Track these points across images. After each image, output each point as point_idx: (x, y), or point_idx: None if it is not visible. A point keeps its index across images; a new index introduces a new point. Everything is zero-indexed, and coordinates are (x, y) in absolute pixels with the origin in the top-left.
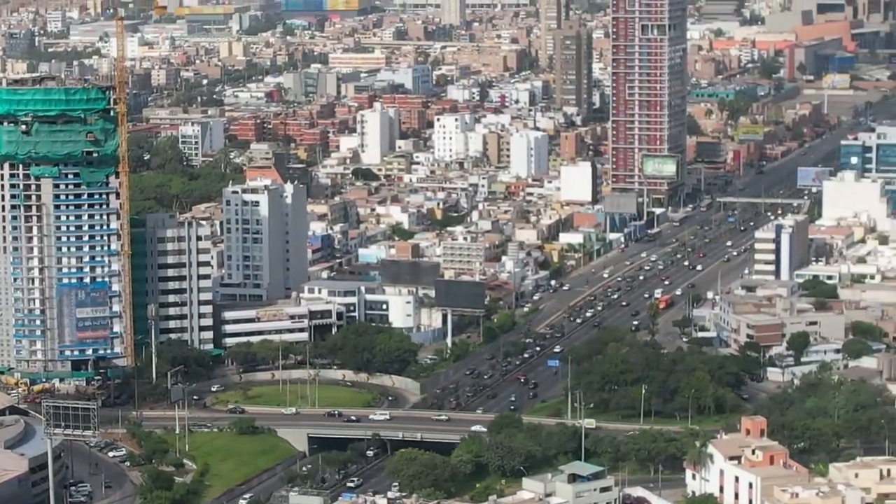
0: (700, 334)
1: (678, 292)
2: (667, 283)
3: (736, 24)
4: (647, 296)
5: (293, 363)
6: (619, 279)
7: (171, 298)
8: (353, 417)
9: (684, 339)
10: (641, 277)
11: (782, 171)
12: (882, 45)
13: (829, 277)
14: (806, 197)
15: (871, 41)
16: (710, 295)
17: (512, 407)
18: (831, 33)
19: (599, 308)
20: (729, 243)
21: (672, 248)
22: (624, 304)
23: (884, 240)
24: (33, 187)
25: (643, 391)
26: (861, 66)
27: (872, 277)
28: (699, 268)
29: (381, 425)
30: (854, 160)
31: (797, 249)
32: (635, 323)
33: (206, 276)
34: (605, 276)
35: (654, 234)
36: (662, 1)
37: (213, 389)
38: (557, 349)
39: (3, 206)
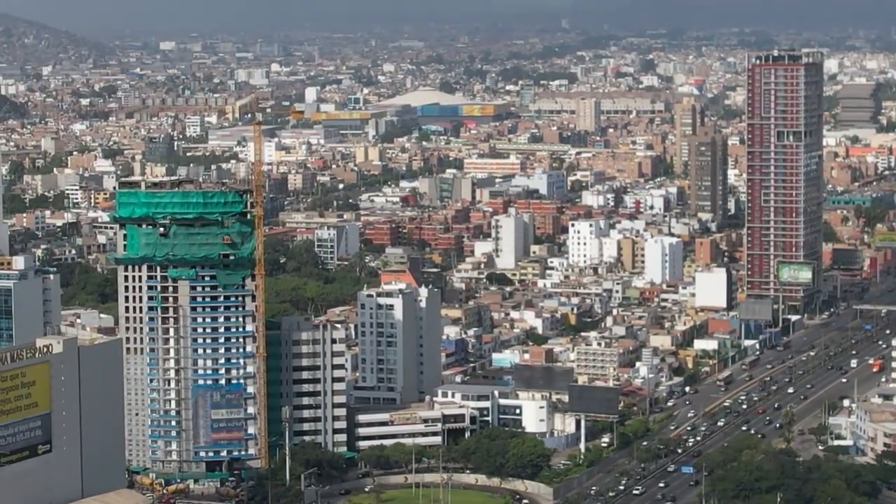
0: (836, 442)
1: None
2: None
3: (872, 131)
4: (776, 406)
5: (426, 467)
6: (755, 387)
7: (305, 401)
8: None
9: (820, 447)
10: (774, 387)
11: None
12: None
13: None
14: None
15: None
16: (846, 403)
17: None
18: None
19: (735, 415)
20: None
21: (807, 355)
22: (760, 410)
23: None
24: (171, 289)
25: (778, 499)
26: None
27: None
28: (844, 379)
29: None
30: None
31: None
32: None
33: (341, 380)
34: (741, 382)
35: (787, 341)
36: (798, 108)
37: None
38: (692, 456)
39: (141, 308)
